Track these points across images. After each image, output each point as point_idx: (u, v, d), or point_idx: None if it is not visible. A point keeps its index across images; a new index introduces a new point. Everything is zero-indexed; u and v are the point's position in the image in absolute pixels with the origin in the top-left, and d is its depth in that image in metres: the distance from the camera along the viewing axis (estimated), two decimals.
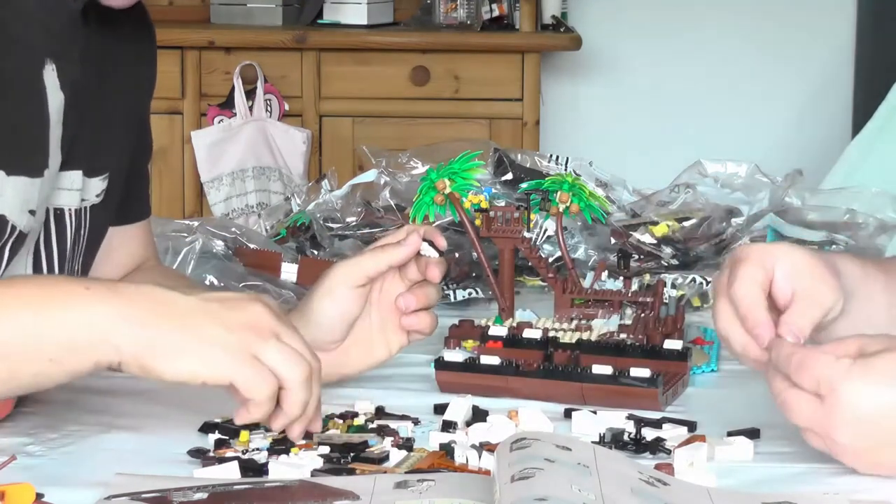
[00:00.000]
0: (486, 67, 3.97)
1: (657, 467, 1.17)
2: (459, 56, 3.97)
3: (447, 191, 1.57)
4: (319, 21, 4.08)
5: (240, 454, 1.24)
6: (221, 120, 3.95)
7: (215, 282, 1.79)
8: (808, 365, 1.19)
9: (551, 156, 2.14)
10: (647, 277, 1.83)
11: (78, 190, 1.42)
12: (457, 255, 1.84)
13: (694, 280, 1.84)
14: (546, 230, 1.90)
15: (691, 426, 1.33)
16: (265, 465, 1.22)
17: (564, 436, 1.25)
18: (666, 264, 1.91)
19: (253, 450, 1.26)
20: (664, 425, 1.33)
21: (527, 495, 1.01)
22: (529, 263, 1.68)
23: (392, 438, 1.29)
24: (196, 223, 1.95)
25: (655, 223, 1.95)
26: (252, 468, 1.21)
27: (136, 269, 1.59)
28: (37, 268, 1.40)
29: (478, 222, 1.58)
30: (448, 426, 1.32)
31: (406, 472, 1.20)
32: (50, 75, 1.35)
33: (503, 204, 1.67)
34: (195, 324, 1.20)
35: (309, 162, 3.96)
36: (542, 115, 4.05)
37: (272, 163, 3.95)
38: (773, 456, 1.27)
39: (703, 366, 1.54)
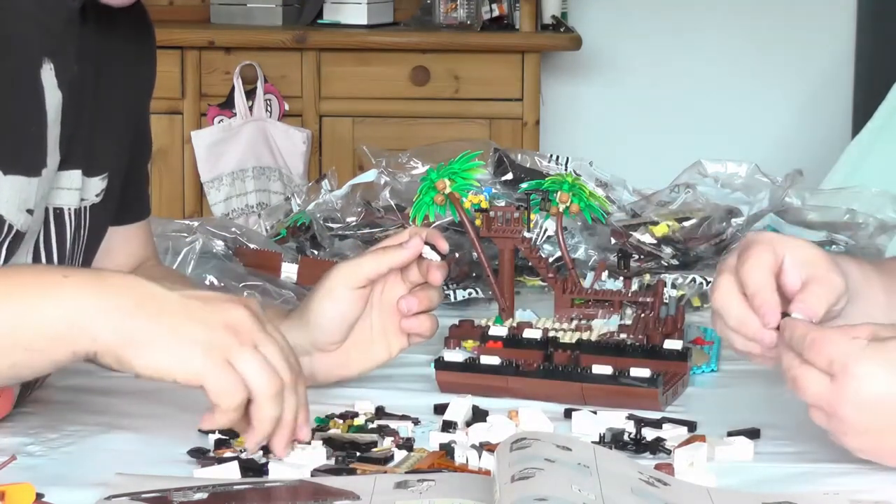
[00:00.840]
0: (485, 67, 3.97)
1: (657, 467, 1.17)
2: (459, 56, 3.97)
3: (447, 191, 1.57)
4: (319, 21, 4.08)
5: (240, 454, 1.24)
6: (221, 120, 3.95)
7: (215, 282, 1.79)
8: (823, 343, 1.19)
9: (551, 156, 2.14)
10: (647, 277, 1.83)
11: (77, 189, 1.42)
12: (457, 255, 1.84)
13: (694, 280, 1.84)
14: (546, 230, 1.91)
15: (691, 426, 1.33)
16: (265, 465, 1.22)
17: (564, 436, 1.25)
18: (666, 264, 1.91)
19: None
20: (664, 425, 1.33)
21: (527, 495, 1.01)
22: (529, 263, 1.68)
23: (392, 438, 1.29)
24: (196, 223, 1.95)
25: (655, 223, 1.95)
26: (252, 468, 1.21)
27: (136, 268, 1.58)
28: None
29: (478, 222, 1.58)
30: (448, 426, 1.32)
31: (406, 472, 1.20)
32: (48, 74, 1.35)
33: (503, 204, 1.67)
34: (174, 319, 1.17)
35: (309, 162, 3.96)
36: (542, 115, 4.05)
37: (272, 163, 3.95)
38: (773, 456, 1.27)
39: (703, 366, 1.54)
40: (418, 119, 3.96)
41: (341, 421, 1.34)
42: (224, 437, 1.28)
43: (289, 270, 1.84)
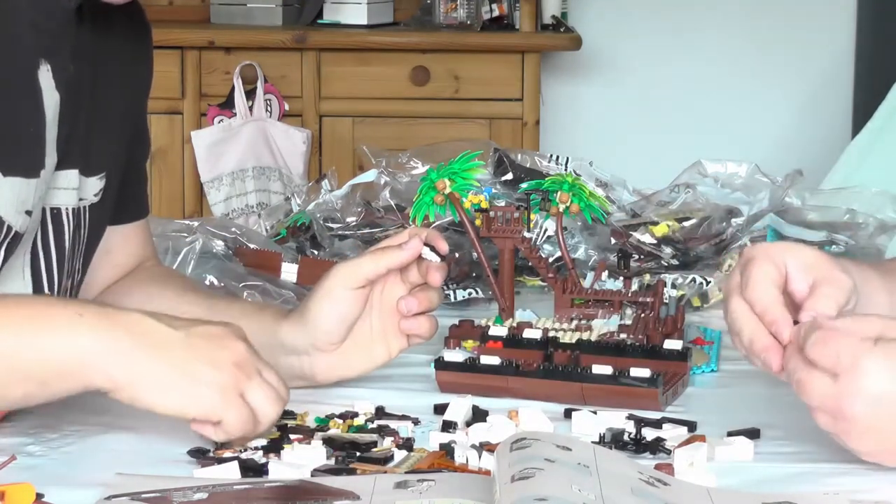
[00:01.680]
0: (485, 67, 3.97)
1: (657, 467, 1.17)
2: (459, 56, 3.97)
3: (447, 191, 1.57)
4: (319, 21, 4.08)
5: (239, 454, 1.25)
6: (221, 120, 3.95)
7: (215, 282, 1.79)
8: (830, 340, 1.19)
9: (551, 156, 2.14)
10: (647, 277, 1.83)
11: (74, 189, 1.42)
12: (457, 255, 1.84)
13: (694, 280, 1.84)
14: (546, 230, 1.90)
15: (691, 426, 1.33)
16: (265, 465, 1.22)
17: (564, 436, 1.25)
18: (666, 264, 1.90)
19: (253, 449, 1.26)
20: (664, 425, 1.33)
21: (527, 495, 1.01)
22: (529, 263, 1.68)
23: (392, 438, 1.29)
24: (196, 223, 1.95)
25: (655, 223, 1.95)
26: (252, 468, 1.21)
27: (136, 268, 1.58)
28: (35, 267, 1.40)
29: (478, 222, 1.58)
30: (448, 426, 1.32)
31: (406, 472, 1.20)
32: (45, 75, 1.35)
33: (503, 204, 1.67)
34: (184, 361, 1.24)
35: (309, 162, 3.96)
36: (542, 115, 4.05)
37: (272, 163, 3.95)
38: (773, 456, 1.27)
39: (703, 366, 1.54)
40: (418, 119, 3.96)
41: (341, 421, 1.34)
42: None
43: (289, 270, 1.84)
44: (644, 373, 1.40)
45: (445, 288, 1.80)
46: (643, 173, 2.69)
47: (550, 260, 1.81)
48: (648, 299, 1.54)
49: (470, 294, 1.83)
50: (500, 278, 1.58)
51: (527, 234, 1.59)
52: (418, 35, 4.03)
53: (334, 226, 2.01)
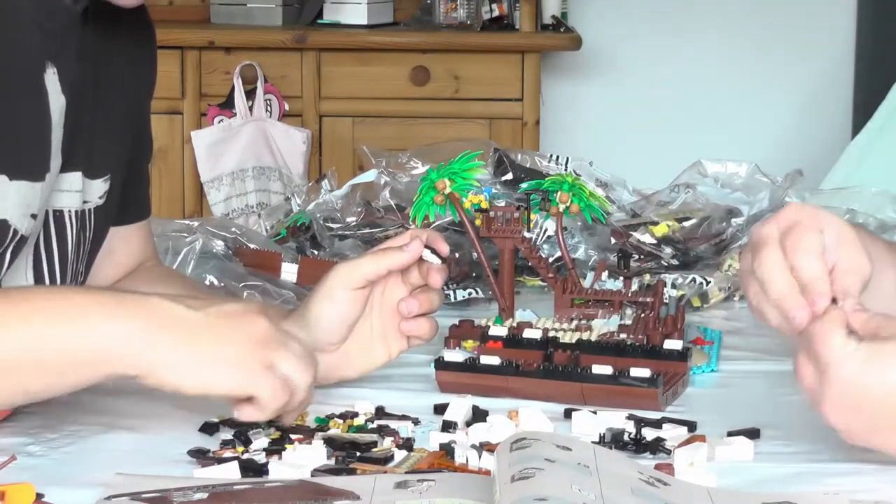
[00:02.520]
0: (485, 67, 3.97)
1: (657, 467, 1.18)
2: (459, 56, 3.97)
3: (447, 191, 1.57)
4: (319, 21, 4.08)
5: (239, 454, 1.25)
6: (221, 120, 3.95)
7: (215, 282, 1.79)
8: (815, 340, 1.19)
9: (551, 156, 2.14)
10: (647, 277, 1.83)
11: (78, 191, 1.42)
12: (457, 255, 1.84)
13: (694, 280, 1.84)
14: (546, 230, 1.91)
15: (691, 426, 1.33)
16: (265, 465, 1.22)
17: (564, 436, 1.25)
18: (666, 264, 1.91)
19: (253, 450, 1.26)
20: (664, 425, 1.33)
21: (527, 495, 1.01)
22: (529, 263, 1.68)
23: (392, 438, 1.29)
24: (196, 223, 1.95)
25: (655, 223, 1.95)
26: (252, 468, 1.21)
27: (136, 269, 1.58)
28: (37, 269, 1.40)
29: (478, 222, 1.58)
30: (448, 426, 1.32)
31: (406, 472, 1.20)
32: (51, 79, 1.35)
33: (503, 204, 1.67)
34: (206, 341, 1.23)
35: (309, 162, 3.96)
36: (542, 115, 4.05)
37: (272, 163, 3.95)
38: (773, 456, 1.27)
39: (703, 366, 1.54)
40: (418, 119, 3.96)
41: (341, 421, 1.34)
42: (231, 438, 1.28)
43: (289, 270, 1.84)
44: (644, 373, 1.40)
45: (445, 288, 1.80)
46: (643, 173, 2.69)
47: (550, 260, 1.81)
48: (648, 299, 1.54)
49: (470, 294, 1.83)
50: (500, 278, 1.58)
51: (527, 234, 1.59)
52: (418, 35, 4.03)
53: (334, 226, 2.01)
